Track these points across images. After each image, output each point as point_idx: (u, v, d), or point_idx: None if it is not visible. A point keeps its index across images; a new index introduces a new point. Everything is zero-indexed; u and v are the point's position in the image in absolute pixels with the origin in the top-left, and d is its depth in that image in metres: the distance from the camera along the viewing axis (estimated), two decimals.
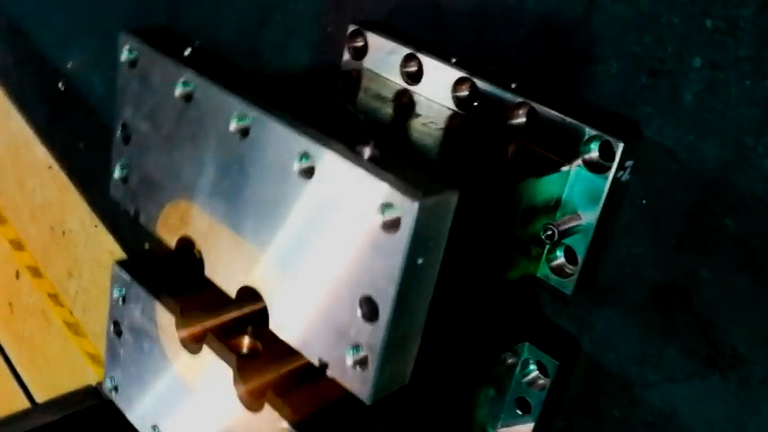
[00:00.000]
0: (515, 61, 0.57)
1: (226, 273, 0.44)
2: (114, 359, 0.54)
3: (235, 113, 0.40)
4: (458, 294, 0.47)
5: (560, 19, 0.55)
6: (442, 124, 0.54)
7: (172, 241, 0.47)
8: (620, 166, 0.50)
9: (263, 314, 0.42)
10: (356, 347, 0.37)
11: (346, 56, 0.63)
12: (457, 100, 0.57)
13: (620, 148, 0.50)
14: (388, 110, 0.56)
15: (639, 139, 0.51)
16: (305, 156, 0.37)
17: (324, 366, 0.39)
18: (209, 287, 0.45)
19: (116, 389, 0.55)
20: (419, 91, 0.59)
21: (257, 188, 0.40)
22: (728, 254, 0.49)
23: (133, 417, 0.53)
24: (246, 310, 0.48)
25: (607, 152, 0.50)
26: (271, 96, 0.41)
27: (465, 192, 0.36)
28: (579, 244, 0.52)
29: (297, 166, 0.38)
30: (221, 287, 0.44)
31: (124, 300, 0.51)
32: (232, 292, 0.43)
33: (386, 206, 0.35)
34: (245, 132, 0.40)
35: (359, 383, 0.38)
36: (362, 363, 0.37)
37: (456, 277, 0.46)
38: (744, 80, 0.47)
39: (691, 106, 0.49)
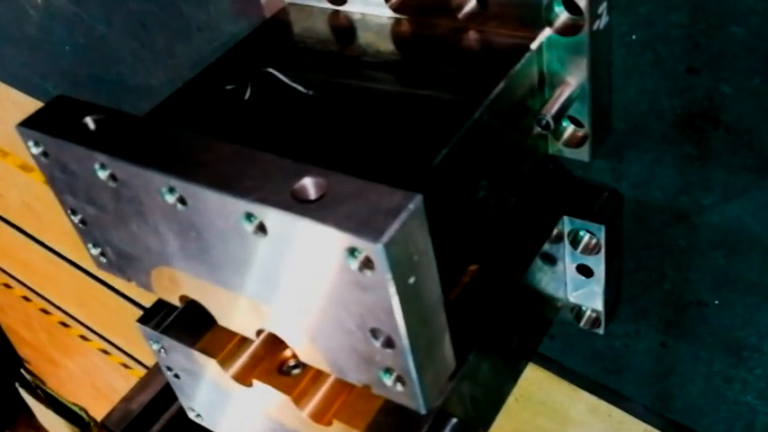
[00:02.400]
0: None
1: (237, 322, 0.42)
2: (184, 394, 0.54)
3: (163, 188, 0.36)
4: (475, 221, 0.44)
5: None
6: (386, 52, 0.48)
7: (175, 301, 0.45)
8: (594, 16, 0.44)
9: None
10: (387, 371, 0.36)
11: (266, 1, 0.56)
12: (393, 5, 0.50)
13: (584, 1, 0.43)
14: (328, 50, 0.50)
15: None
16: (250, 216, 0.34)
17: (368, 387, 0.38)
18: None
19: (199, 416, 0.56)
20: (351, 9, 0.52)
21: (222, 249, 0.37)
22: (746, 61, 0.43)
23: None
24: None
25: (574, 7, 0.43)
26: (193, 153, 0.36)
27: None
28: (580, 110, 0.47)
29: (247, 226, 0.34)
30: (240, 333, 0.42)
31: (165, 350, 0.51)
32: (252, 336, 0.42)
33: (352, 251, 0.31)
34: (182, 201, 0.37)
35: (407, 398, 0.36)
36: (401, 381, 0.36)
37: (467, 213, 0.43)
38: None
39: None
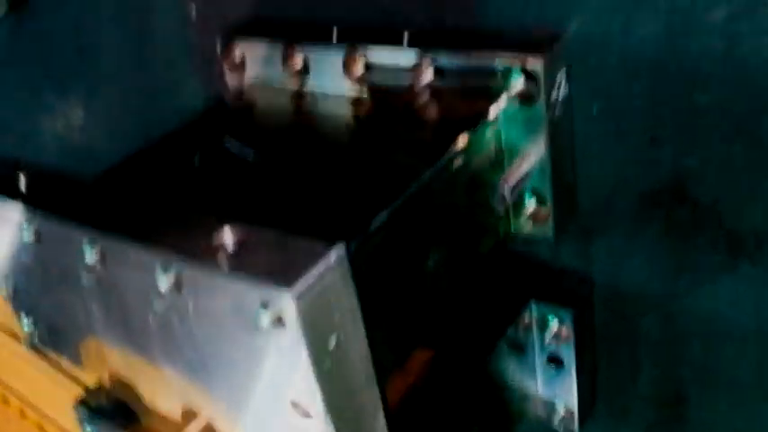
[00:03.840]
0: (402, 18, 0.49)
1: (161, 401, 0.38)
2: None
3: (86, 246, 0.34)
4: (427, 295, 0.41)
5: None
6: (343, 123, 0.47)
7: (105, 379, 0.42)
8: (551, 85, 0.43)
9: None
10: None
11: (229, 77, 0.55)
12: (355, 82, 0.49)
13: (539, 65, 0.42)
14: (285, 122, 0.49)
15: (558, 44, 0.43)
16: (166, 268, 0.31)
17: None
18: None
19: None
20: (314, 88, 0.51)
21: (140, 314, 0.34)
22: (710, 130, 0.42)
23: None
24: None
25: (530, 77, 0.42)
26: (117, 210, 0.35)
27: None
28: (542, 182, 0.45)
29: (163, 284, 0.32)
30: (165, 415, 0.39)
31: None
32: (178, 418, 0.38)
33: (264, 304, 0.28)
34: (102, 259, 0.34)
35: None
36: None
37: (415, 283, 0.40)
38: None
39: None
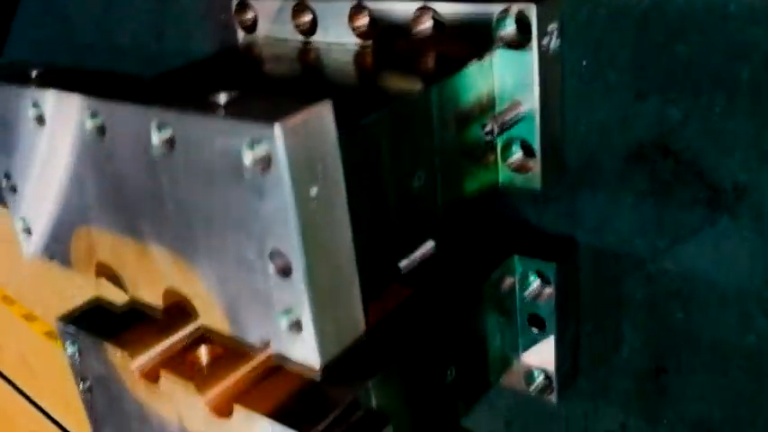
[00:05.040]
0: None
1: (144, 285, 0.39)
2: (97, 419, 0.50)
3: (87, 111, 0.36)
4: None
5: None
6: (347, 65, 0.50)
7: (90, 274, 0.43)
8: (542, 32, 0.45)
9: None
10: (286, 311, 0.33)
11: (240, 35, 0.58)
12: (359, 34, 0.52)
13: (533, 11, 0.44)
14: (292, 65, 0.52)
15: None
16: (162, 126, 0.33)
17: (267, 345, 0.35)
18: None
19: None
20: (321, 40, 0.54)
21: (131, 181, 0.36)
22: (692, 81, 0.43)
23: None
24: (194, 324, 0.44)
25: (523, 24, 0.45)
26: (119, 84, 0.36)
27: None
28: (530, 132, 0.47)
29: (156, 141, 0.33)
30: (147, 302, 0.40)
31: (80, 353, 0.48)
32: (159, 303, 0.39)
33: (251, 145, 0.30)
34: (102, 131, 0.36)
35: (303, 350, 0.33)
36: (297, 326, 0.33)
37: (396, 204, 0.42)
38: None
39: None
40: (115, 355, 0.45)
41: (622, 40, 0.45)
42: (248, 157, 0.30)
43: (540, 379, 0.54)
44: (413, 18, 0.49)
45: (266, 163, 0.30)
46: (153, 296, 0.39)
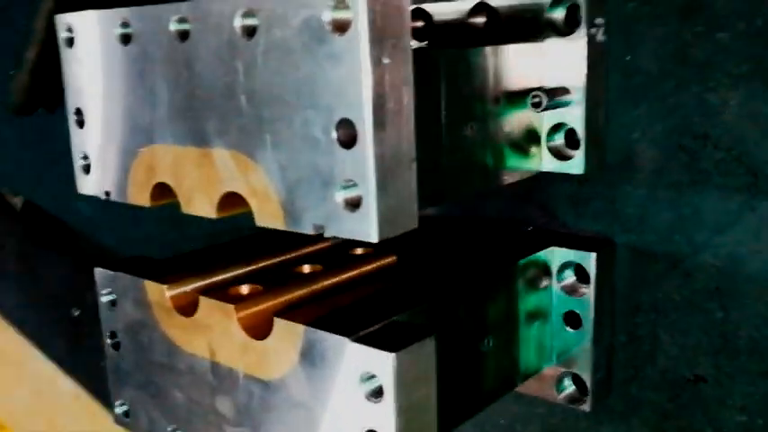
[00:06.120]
0: None
1: (200, 195, 0.40)
2: (119, 379, 0.49)
3: (173, 18, 0.39)
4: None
5: None
6: None
7: (146, 199, 0.44)
8: (591, 24, 0.48)
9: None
10: (345, 186, 0.34)
11: None
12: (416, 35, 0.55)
13: (582, 1, 0.48)
14: None
15: None
16: (248, 14, 0.36)
17: (321, 231, 0.35)
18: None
19: (126, 413, 0.49)
20: None
21: (206, 81, 0.38)
22: (732, 64, 0.46)
23: (150, 426, 0.48)
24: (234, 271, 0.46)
25: (573, 14, 0.48)
26: None
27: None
28: (575, 119, 0.49)
29: (239, 24, 0.36)
30: (203, 214, 0.41)
31: (113, 303, 0.48)
32: (212, 213, 0.40)
33: (334, 7, 0.32)
34: (184, 36, 0.39)
35: (359, 224, 0.34)
36: (356, 204, 0.34)
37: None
38: None
39: None
40: (153, 289, 0.45)
41: (666, 32, 0.48)
42: (328, 16, 0.32)
43: (571, 387, 0.53)
44: (469, 12, 0.52)
45: (347, 25, 0.32)
46: (207, 207, 0.40)
